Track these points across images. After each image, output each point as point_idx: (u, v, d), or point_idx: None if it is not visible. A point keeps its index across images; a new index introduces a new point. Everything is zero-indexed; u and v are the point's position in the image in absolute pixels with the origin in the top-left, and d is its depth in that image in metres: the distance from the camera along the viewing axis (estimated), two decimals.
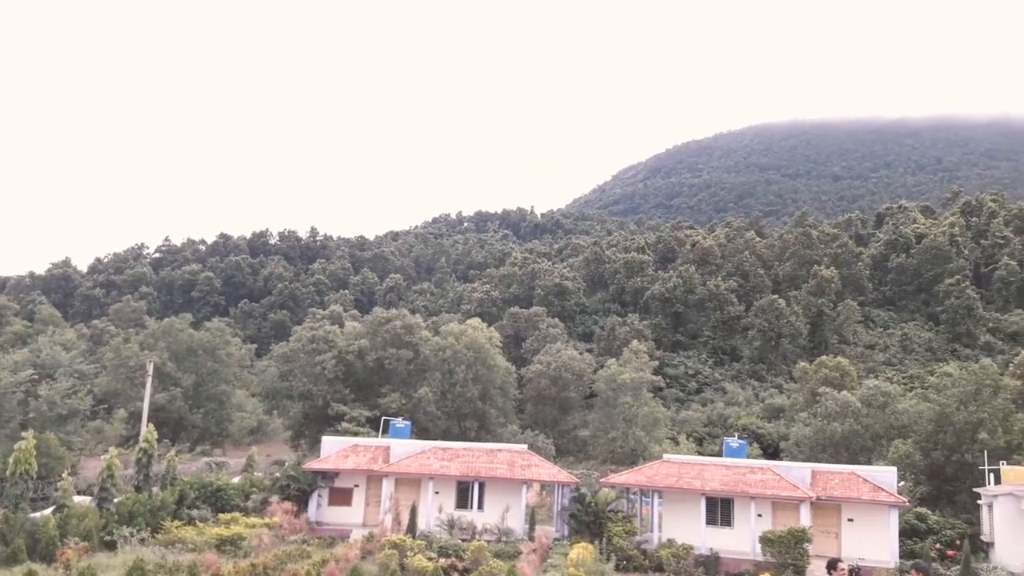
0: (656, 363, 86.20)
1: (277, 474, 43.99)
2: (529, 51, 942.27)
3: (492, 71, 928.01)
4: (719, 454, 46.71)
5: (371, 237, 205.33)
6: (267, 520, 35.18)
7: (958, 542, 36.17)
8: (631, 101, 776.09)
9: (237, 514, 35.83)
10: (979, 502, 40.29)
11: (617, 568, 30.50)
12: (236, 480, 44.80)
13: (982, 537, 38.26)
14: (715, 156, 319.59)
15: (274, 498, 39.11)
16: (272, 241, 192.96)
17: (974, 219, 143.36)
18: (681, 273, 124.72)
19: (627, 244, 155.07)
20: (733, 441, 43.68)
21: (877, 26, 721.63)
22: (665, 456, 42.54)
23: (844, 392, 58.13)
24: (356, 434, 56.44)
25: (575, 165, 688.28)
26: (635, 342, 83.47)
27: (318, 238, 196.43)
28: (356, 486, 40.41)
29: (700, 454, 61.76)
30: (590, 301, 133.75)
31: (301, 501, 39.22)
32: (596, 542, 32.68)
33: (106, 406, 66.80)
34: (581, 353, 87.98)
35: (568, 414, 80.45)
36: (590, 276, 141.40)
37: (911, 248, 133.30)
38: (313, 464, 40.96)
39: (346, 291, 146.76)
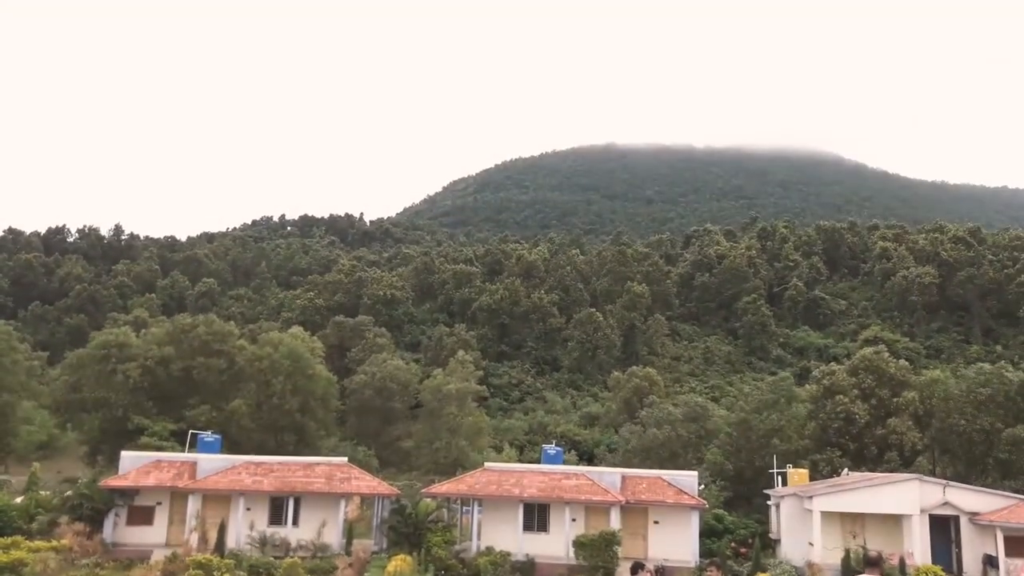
0: (481, 373, 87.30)
1: (68, 493, 40.19)
2: (362, 61, 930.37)
3: (324, 73, 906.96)
4: (539, 461, 47.94)
5: (183, 238, 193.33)
6: (54, 543, 32.05)
7: (750, 540, 39.26)
8: (462, 114, 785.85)
9: (19, 537, 32.27)
10: (769, 503, 44.04)
11: None
12: (19, 500, 40.47)
13: (771, 535, 41.79)
14: (541, 174, 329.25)
15: (64, 519, 35.73)
16: (70, 239, 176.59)
17: (768, 243, 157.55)
18: (507, 286, 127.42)
19: (456, 255, 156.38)
20: (550, 448, 45.01)
21: (690, 62, 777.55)
22: (486, 465, 43.07)
23: (667, 406, 61.66)
24: (159, 449, 52.56)
25: (406, 174, 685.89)
26: (461, 352, 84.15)
27: (123, 237, 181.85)
28: (159, 504, 37.78)
29: (521, 461, 63.14)
30: (418, 311, 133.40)
31: (96, 521, 36.05)
32: (415, 553, 32.47)
33: None
34: (408, 363, 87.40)
35: (392, 425, 79.53)
36: (419, 286, 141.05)
37: (714, 268, 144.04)
38: (110, 481, 37.83)
39: (153, 295, 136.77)
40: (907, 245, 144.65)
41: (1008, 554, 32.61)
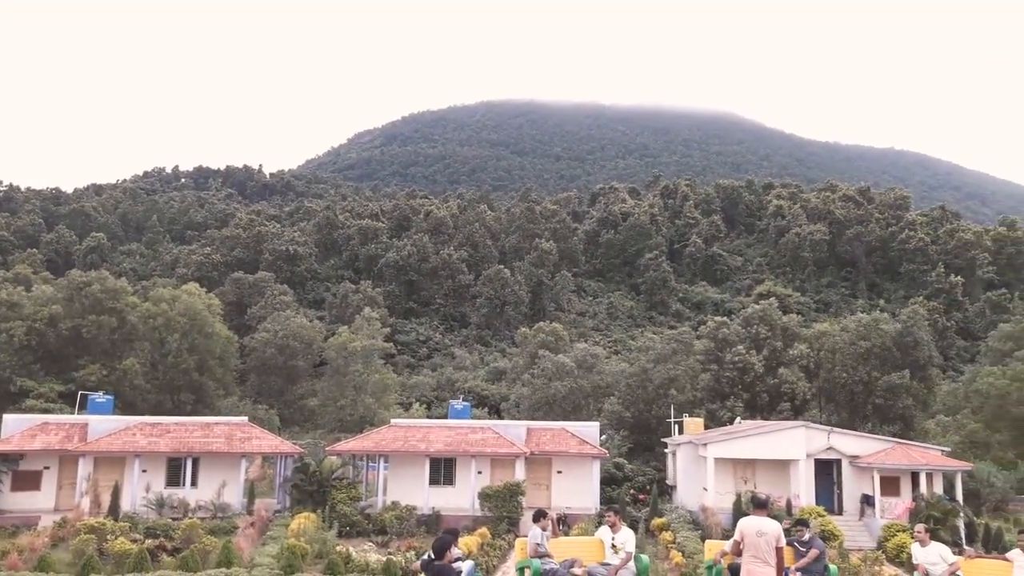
0: (388, 330, 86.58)
1: None
2: (262, 3, 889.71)
3: (221, 16, 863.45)
4: (447, 417, 48.22)
5: (69, 190, 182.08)
6: None
7: (648, 487, 40.76)
8: (366, 63, 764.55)
9: None
10: (666, 451, 45.75)
11: (340, 534, 30.34)
12: None
13: (668, 481, 43.52)
14: (449, 128, 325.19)
15: None
16: None
17: (671, 201, 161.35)
18: (415, 242, 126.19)
19: (362, 210, 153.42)
20: (457, 403, 45.38)
21: (600, 18, 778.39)
22: (392, 421, 43.02)
23: (560, 356, 62.87)
24: (46, 411, 50.14)
25: (308, 125, 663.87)
26: (368, 309, 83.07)
27: (2, 188, 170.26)
28: (46, 468, 36.17)
29: (430, 417, 63.35)
30: (322, 267, 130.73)
31: None
32: (320, 511, 32.24)
33: None
34: (311, 321, 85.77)
35: (296, 384, 78.17)
36: (323, 241, 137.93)
37: (619, 225, 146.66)
38: None
39: (36, 250, 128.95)
40: (801, 203, 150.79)
41: (883, 493, 35.10)
